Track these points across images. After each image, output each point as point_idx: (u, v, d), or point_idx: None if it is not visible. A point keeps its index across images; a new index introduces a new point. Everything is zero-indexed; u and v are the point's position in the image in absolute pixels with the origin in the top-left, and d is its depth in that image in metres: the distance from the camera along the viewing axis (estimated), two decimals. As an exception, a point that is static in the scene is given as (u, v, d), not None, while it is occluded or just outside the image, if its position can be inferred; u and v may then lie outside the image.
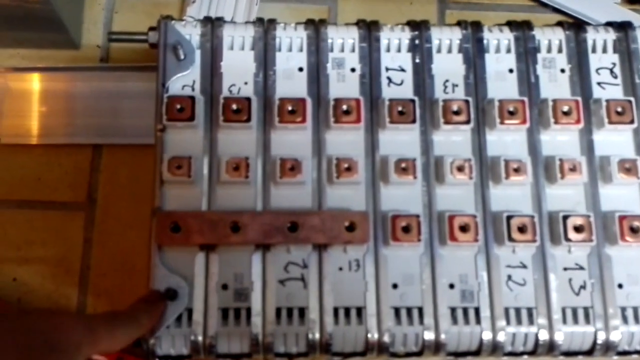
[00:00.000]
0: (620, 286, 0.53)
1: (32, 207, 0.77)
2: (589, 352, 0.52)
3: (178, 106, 0.52)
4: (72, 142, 0.77)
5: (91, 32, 0.81)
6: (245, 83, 0.55)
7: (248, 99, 0.53)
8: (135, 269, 0.75)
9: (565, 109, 0.54)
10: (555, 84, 0.57)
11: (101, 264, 0.75)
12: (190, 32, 0.56)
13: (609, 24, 0.59)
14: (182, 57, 0.54)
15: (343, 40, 0.57)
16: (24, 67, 0.80)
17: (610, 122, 0.55)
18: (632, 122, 0.55)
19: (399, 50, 0.57)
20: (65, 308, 0.74)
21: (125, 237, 0.76)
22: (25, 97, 0.78)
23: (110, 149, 0.78)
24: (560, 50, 0.58)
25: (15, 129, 0.78)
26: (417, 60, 0.57)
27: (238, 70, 0.55)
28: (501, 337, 0.51)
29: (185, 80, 0.55)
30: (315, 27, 0.57)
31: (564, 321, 0.52)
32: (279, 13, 0.80)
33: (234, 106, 0.53)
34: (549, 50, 0.58)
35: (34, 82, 0.78)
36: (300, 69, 0.56)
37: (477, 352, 0.52)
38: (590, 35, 0.58)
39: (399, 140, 0.54)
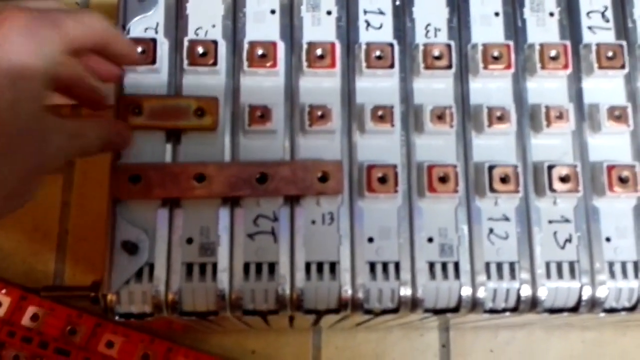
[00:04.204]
0: (607, 240, 0.51)
1: (8, 168, 0.77)
2: (574, 308, 0.51)
3: (139, 49, 0.50)
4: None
5: (69, -12, 0.81)
6: (213, 26, 0.53)
7: (215, 42, 0.51)
8: (114, 232, 0.75)
9: (553, 53, 0.52)
10: (543, 28, 0.55)
11: (80, 228, 0.76)
12: None
13: None
14: None
15: None
16: None
17: (600, 67, 0.53)
18: (623, 67, 0.53)
19: None
20: (43, 274, 0.74)
21: (104, 200, 0.76)
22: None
23: (89, 110, 0.78)
24: None
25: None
26: (398, 3, 0.54)
27: (205, 12, 0.53)
28: (481, 292, 0.49)
29: (147, 22, 0.52)
30: None
31: (548, 276, 0.50)
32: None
33: (200, 49, 0.50)
34: None
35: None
36: (273, 12, 0.54)
37: (456, 309, 0.50)
38: None
39: (377, 87, 0.52)
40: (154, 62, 0.50)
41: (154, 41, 0.50)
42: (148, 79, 0.51)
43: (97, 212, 0.75)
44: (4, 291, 0.69)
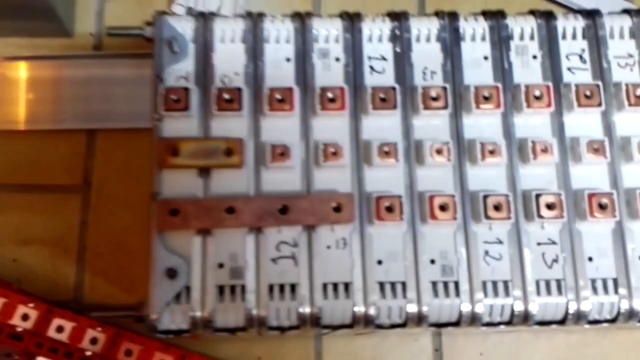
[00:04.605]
0: (590, 259, 0.56)
1: (30, 190, 0.79)
2: (562, 321, 0.55)
3: (174, 97, 0.55)
4: (68, 128, 0.80)
5: (84, 21, 0.83)
6: (236, 73, 0.58)
7: (239, 89, 0.56)
8: (130, 248, 0.77)
9: (537, 93, 0.57)
10: (527, 69, 0.60)
11: (97, 244, 0.78)
12: (184, 26, 0.58)
13: (578, 11, 0.62)
14: (176, 50, 0.57)
15: (327, 32, 0.59)
16: (19, 55, 0.82)
17: (580, 105, 0.57)
18: (600, 105, 0.57)
19: (380, 40, 0.60)
20: (64, 287, 0.77)
21: (120, 218, 0.78)
22: (20, 84, 0.80)
23: (104, 134, 0.80)
24: (532, 38, 0.60)
25: (10, 116, 0.80)
26: (398, 50, 0.59)
27: (229, 61, 0.58)
28: (479, 308, 0.54)
29: (179, 72, 0.57)
30: (301, 19, 0.59)
31: (538, 293, 0.55)
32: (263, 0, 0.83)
33: (226, 96, 0.56)
34: (522, 37, 0.60)
35: (29, 70, 0.80)
36: (288, 60, 0.59)
37: (457, 323, 0.55)
38: (561, 23, 0.61)
39: (382, 126, 0.57)
40: (187, 108, 0.55)
41: (187, 90, 0.56)
42: (181, 123, 0.56)
43: (112, 229, 0.78)
44: (31, 305, 0.72)
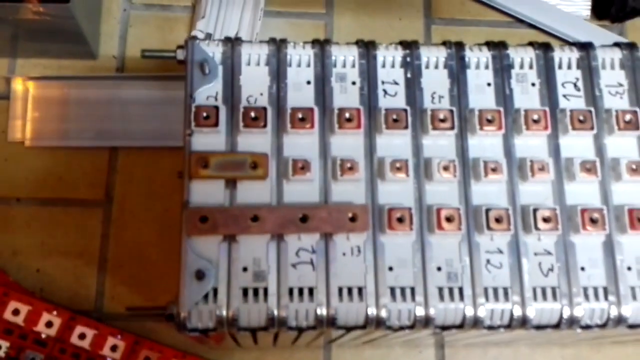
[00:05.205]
0: (582, 269, 0.58)
1: (55, 204, 0.83)
2: (557, 325, 0.58)
3: (204, 114, 0.59)
4: (91, 145, 0.84)
5: (108, 44, 0.87)
6: (261, 94, 0.61)
7: (264, 108, 0.59)
8: (149, 260, 0.81)
9: (535, 117, 0.61)
10: (526, 95, 0.63)
11: (118, 256, 0.83)
12: (213, 50, 0.62)
13: (572, 44, 0.65)
14: (207, 72, 0.60)
15: (345, 58, 0.63)
16: (46, 76, 0.86)
17: (574, 129, 0.60)
18: (592, 128, 0.61)
19: (393, 66, 0.63)
20: (85, 297, 0.81)
21: (139, 231, 0.82)
22: (47, 103, 0.84)
23: (125, 151, 0.84)
24: (531, 67, 0.64)
25: (38, 133, 0.84)
26: (409, 75, 0.63)
27: (255, 83, 0.61)
28: (481, 312, 0.57)
29: (209, 92, 0.61)
30: (321, 46, 0.63)
31: (535, 299, 0.57)
32: (280, 27, 0.87)
33: (253, 114, 0.59)
34: (522, 66, 0.64)
35: (56, 90, 0.84)
36: (308, 82, 0.62)
37: (461, 326, 0.58)
38: (557, 54, 0.64)
39: (394, 144, 0.60)
40: (216, 125, 0.59)
41: (216, 108, 0.59)
42: (211, 138, 0.59)
43: (133, 241, 0.82)
44: (55, 313, 0.76)
